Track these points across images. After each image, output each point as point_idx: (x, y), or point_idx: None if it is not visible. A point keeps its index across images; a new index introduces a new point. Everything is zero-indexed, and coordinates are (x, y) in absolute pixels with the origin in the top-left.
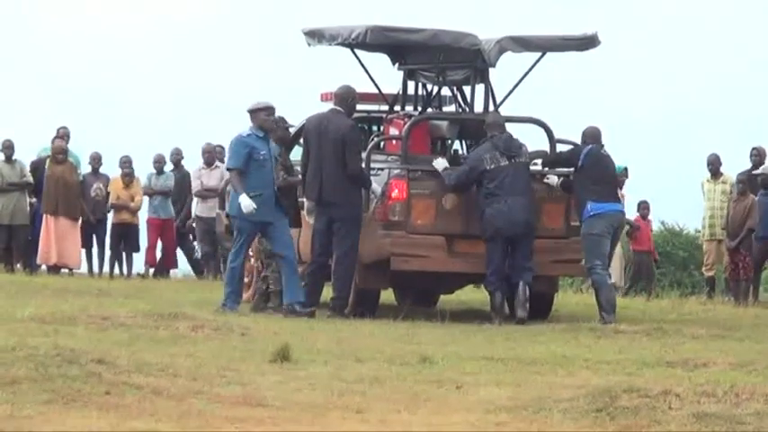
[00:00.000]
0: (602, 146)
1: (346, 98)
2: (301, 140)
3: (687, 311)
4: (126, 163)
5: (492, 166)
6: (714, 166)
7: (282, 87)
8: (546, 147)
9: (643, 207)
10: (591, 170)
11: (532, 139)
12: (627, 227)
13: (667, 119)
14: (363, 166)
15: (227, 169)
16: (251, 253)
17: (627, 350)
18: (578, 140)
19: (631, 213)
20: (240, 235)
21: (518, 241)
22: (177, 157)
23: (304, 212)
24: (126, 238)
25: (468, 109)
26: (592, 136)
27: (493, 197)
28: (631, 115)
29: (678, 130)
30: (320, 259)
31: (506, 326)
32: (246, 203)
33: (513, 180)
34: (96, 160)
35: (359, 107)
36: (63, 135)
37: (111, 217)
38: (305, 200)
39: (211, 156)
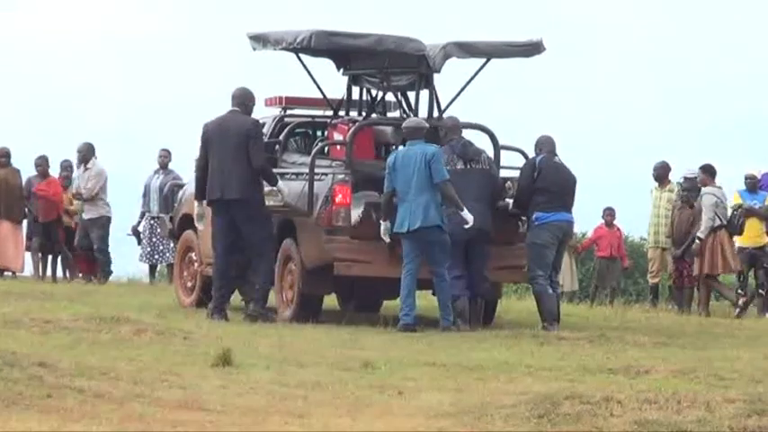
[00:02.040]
0: (555, 155)
1: (244, 100)
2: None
3: (630, 319)
4: (65, 168)
5: (447, 169)
6: (659, 173)
7: (226, 92)
8: (491, 153)
9: (607, 214)
10: (540, 180)
11: (477, 144)
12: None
13: (614, 125)
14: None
15: (444, 182)
16: (194, 257)
17: (569, 357)
18: (523, 147)
19: (592, 221)
20: (455, 248)
21: (471, 247)
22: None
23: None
24: (70, 242)
25: (412, 114)
26: (545, 144)
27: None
28: (579, 121)
29: (625, 136)
30: (224, 262)
31: (452, 333)
32: (471, 217)
33: (467, 185)
34: (45, 161)
35: (303, 112)
36: None
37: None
38: (196, 203)
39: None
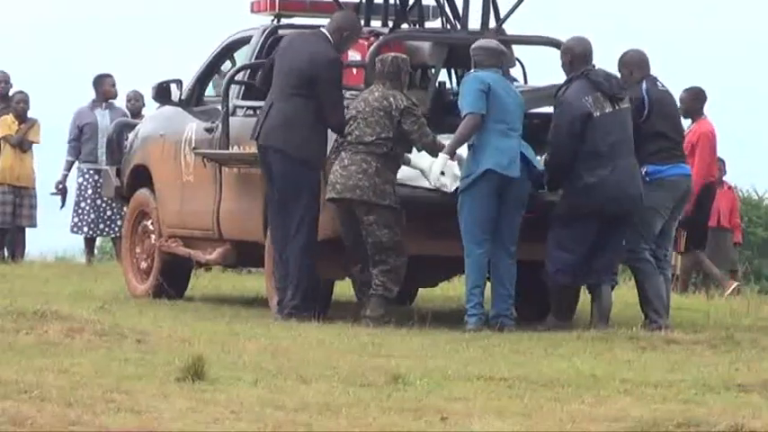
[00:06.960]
0: (656, 79)
1: (341, 29)
2: None
3: None
4: None
5: (597, 114)
6: None
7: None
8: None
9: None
10: (651, 121)
11: (549, 69)
12: None
13: (740, 33)
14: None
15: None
16: (151, 227)
17: (682, 368)
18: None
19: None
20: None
21: (619, 222)
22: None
23: None
24: None
25: (459, 25)
26: (640, 65)
27: (598, 159)
28: (678, 34)
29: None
30: (277, 232)
31: (516, 333)
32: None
33: (620, 135)
34: None
35: (304, 21)
36: None
37: None
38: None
39: None
